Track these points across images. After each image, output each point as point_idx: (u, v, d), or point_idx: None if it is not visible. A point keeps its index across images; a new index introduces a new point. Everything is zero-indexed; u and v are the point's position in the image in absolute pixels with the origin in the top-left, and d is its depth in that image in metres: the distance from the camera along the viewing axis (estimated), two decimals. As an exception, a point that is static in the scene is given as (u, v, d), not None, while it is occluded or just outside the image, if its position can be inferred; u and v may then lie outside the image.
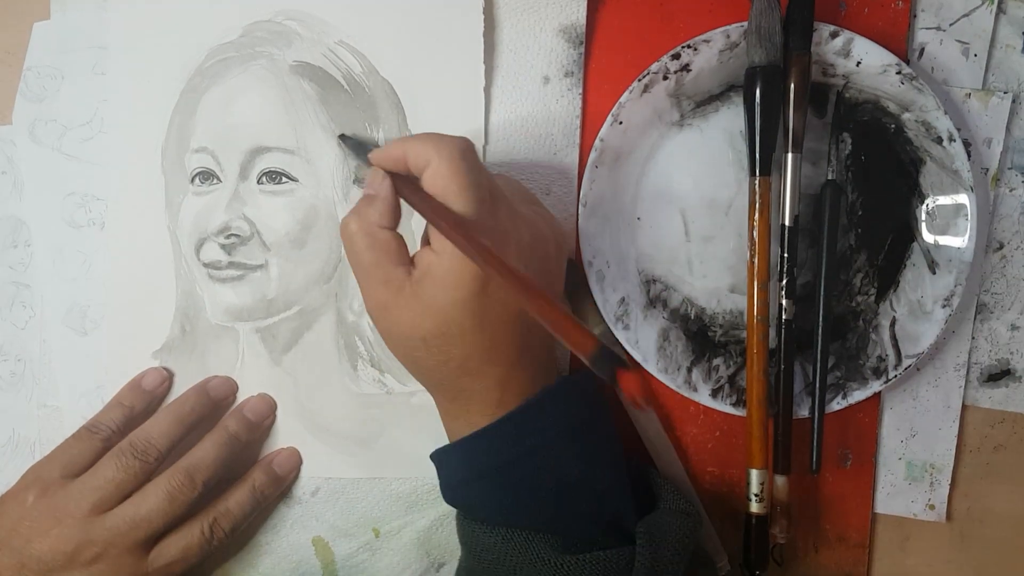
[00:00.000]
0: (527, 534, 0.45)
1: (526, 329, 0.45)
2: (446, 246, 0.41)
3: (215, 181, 0.53)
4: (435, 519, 0.55)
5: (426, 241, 0.44)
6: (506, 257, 0.40)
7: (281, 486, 0.54)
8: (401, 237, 0.44)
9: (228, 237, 0.53)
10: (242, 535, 0.53)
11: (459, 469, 0.46)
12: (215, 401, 0.54)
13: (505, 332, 0.44)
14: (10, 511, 0.49)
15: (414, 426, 0.54)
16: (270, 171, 0.53)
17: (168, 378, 0.55)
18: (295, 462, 0.54)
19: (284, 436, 0.55)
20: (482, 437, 0.45)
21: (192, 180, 0.54)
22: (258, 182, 0.53)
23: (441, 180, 0.41)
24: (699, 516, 0.49)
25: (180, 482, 0.49)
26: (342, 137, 0.52)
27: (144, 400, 0.53)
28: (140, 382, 0.54)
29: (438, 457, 0.47)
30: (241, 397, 0.55)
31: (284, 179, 0.53)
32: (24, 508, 0.48)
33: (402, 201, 0.44)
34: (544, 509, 0.45)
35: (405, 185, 0.43)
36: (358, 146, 0.51)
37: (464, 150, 0.42)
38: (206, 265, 0.54)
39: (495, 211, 0.43)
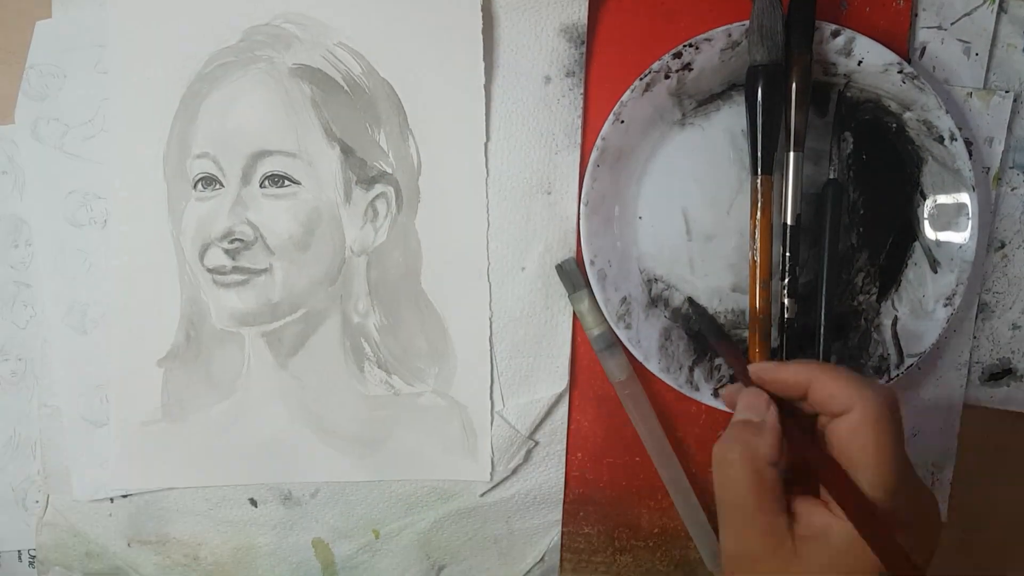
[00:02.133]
0: None
1: None
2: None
3: (218, 186, 0.53)
4: (435, 521, 0.55)
5: (814, 490, 0.38)
6: (920, 555, 0.35)
7: None
8: (780, 479, 0.38)
9: (232, 242, 0.53)
10: (242, 537, 0.53)
11: None
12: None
13: None
14: None
15: (422, 427, 0.54)
16: (272, 175, 0.53)
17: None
18: None
19: (291, 441, 0.54)
20: None
21: (194, 186, 0.54)
22: (260, 186, 0.53)
23: (863, 435, 0.35)
24: None
25: None
26: (559, 267, 0.51)
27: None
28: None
29: None
30: (248, 401, 0.54)
31: (286, 182, 0.53)
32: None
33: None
34: None
35: (785, 418, 0.38)
36: (712, 327, 0.46)
37: (893, 404, 0.36)
38: (210, 270, 0.54)
39: (908, 489, 0.36)
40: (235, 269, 0.54)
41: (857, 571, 0.35)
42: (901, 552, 0.33)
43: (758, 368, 0.40)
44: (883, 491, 0.35)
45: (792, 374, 0.39)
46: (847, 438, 0.36)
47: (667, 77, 0.50)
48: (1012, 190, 0.53)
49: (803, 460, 0.37)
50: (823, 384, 0.38)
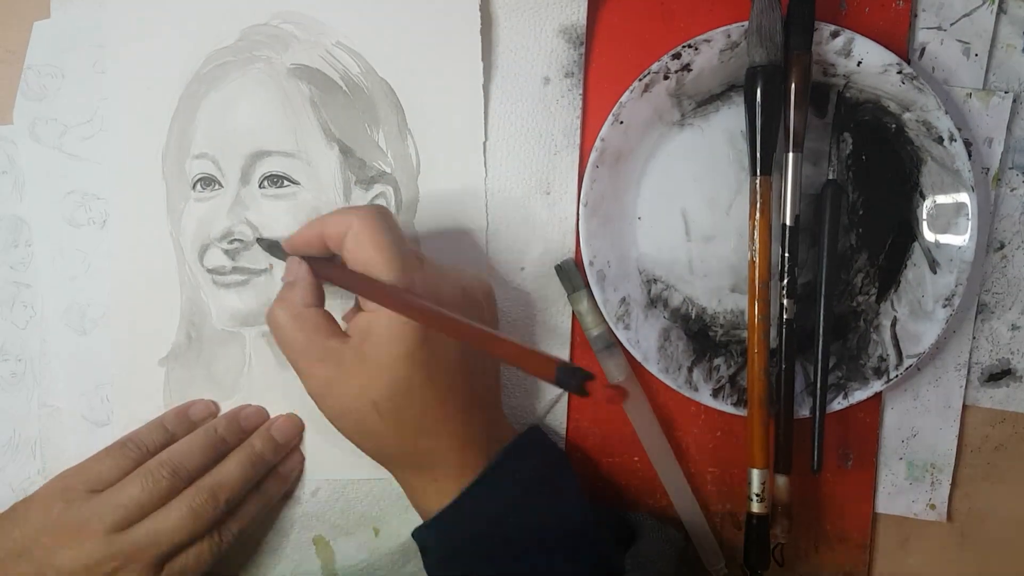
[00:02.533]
0: None
1: (474, 377, 0.45)
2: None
3: (216, 186, 0.53)
4: (435, 519, 0.55)
5: (357, 309, 0.44)
6: (441, 301, 0.41)
7: (286, 485, 0.54)
8: (328, 312, 0.45)
9: (231, 242, 0.53)
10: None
11: (439, 547, 0.46)
12: (246, 431, 0.53)
13: (454, 381, 0.44)
14: (34, 519, 0.48)
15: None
16: (271, 175, 0.53)
17: (215, 412, 0.54)
18: (298, 463, 0.54)
19: (293, 439, 0.55)
20: (457, 509, 0.44)
21: (193, 186, 0.54)
22: (260, 186, 0.53)
23: (364, 243, 0.42)
24: (682, 539, 0.50)
25: (204, 500, 0.49)
26: (259, 240, 0.53)
27: (187, 429, 0.53)
28: (188, 410, 0.54)
29: (419, 538, 0.47)
30: (250, 400, 0.54)
31: (285, 182, 0.53)
32: (50, 518, 0.48)
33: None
34: (528, 568, 0.45)
35: (324, 266, 0.44)
36: (273, 245, 0.51)
37: (381, 213, 0.43)
38: (210, 271, 0.54)
39: (421, 267, 0.44)
40: (235, 269, 0.54)
41: (402, 340, 0.42)
42: (423, 306, 0.39)
43: (289, 238, 0.46)
44: (392, 274, 0.42)
45: (307, 228, 0.45)
46: (353, 249, 0.43)
47: (666, 78, 0.50)
48: (1011, 191, 0.53)
49: (346, 287, 0.43)
50: (326, 224, 0.44)
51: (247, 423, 0.53)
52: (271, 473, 0.53)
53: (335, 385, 0.43)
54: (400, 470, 0.47)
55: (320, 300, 0.45)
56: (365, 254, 0.42)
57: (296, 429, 0.54)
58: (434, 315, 0.39)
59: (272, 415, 0.54)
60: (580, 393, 0.33)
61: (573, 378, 0.33)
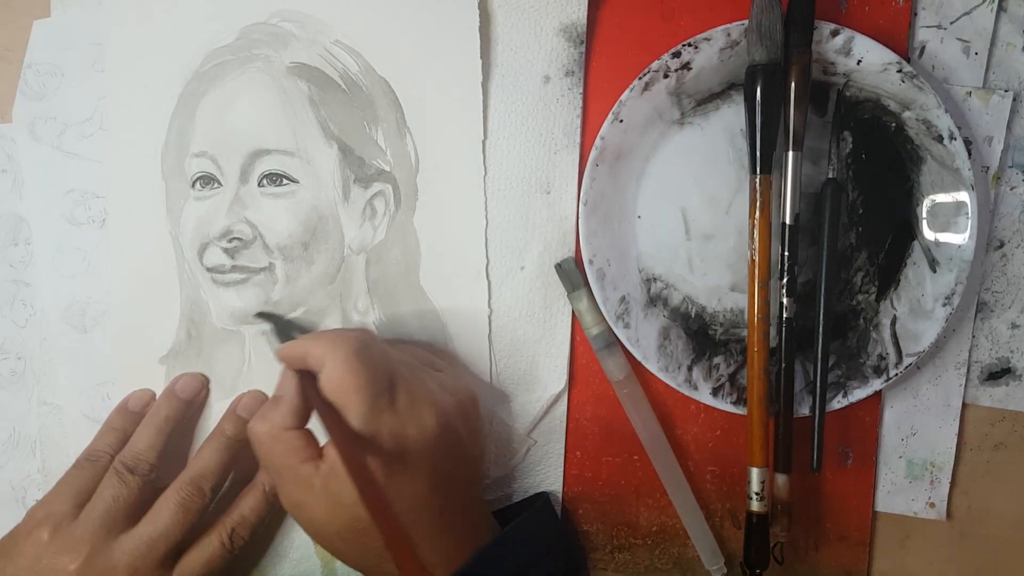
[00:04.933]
0: None
1: (444, 506, 0.46)
2: None
3: (216, 185, 0.53)
4: (435, 517, 0.55)
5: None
6: (406, 445, 0.43)
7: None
8: (309, 432, 0.45)
9: (231, 241, 0.53)
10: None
11: None
12: (186, 401, 0.54)
13: (420, 516, 0.44)
14: (26, 550, 0.48)
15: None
16: (270, 173, 0.53)
17: (152, 397, 0.55)
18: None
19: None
20: None
21: (193, 184, 0.54)
22: (259, 185, 0.53)
23: (335, 381, 0.42)
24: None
25: (189, 492, 0.49)
26: (260, 315, 0.53)
27: (134, 422, 0.53)
28: (127, 405, 0.54)
29: None
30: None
31: (285, 181, 0.53)
32: (40, 546, 0.48)
33: None
34: None
35: (311, 385, 0.44)
36: (279, 325, 0.52)
37: (359, 347, 0.43)
38: (209, 270, 0.54)
39: (393, 402, 0.44)
40: (234, 268, 0.54)
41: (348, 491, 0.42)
42: (364, 469, 0.40)
43: (282, 348, 0.46)
44: (358, 418, 0.42)
45: (291, 348, 0.45)
46: (327, 386, 0.43)
47: (666, 76, 0.50)
48: (1011, 189, 0.53)
49: (318, 416, 0.43)
50: (306, 349, 0.44)
51: (184, 393, 0.54)
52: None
53: (304, 509, 0.44)
54: None
55: (302, 421, 0.45)
56: (335, 393, 0.43)
57: (260, 403, 0.54)
58: (369, 492, 0.40)
59: None
60: None
61: None
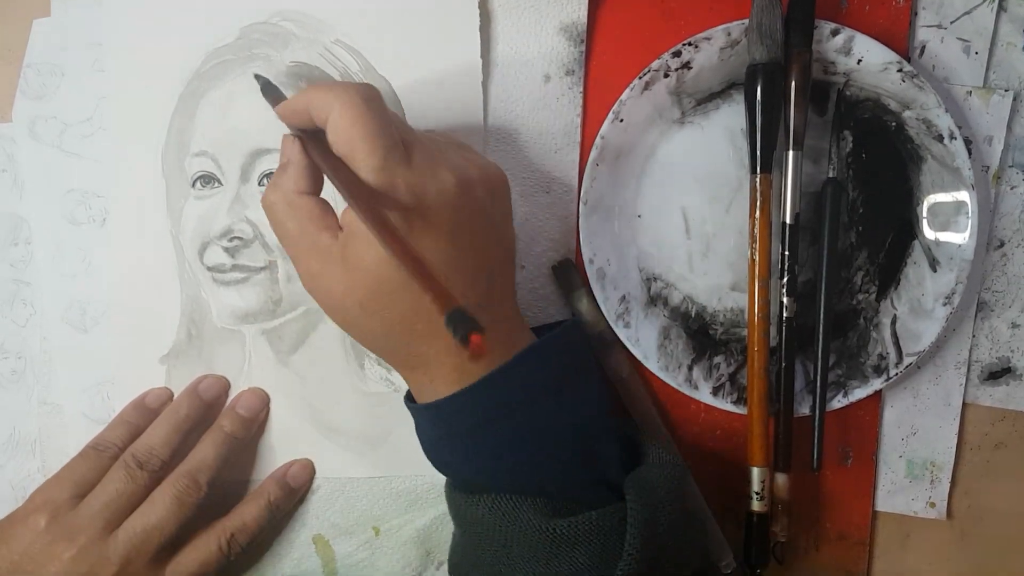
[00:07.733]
0: (514, 500, 0.43)
1: (474, 274, 0.42)
2: None
3: (216, 184, 0.53)
4: (435, 517, 0.55)
5: None
6: (426, 201, 0.39)
7: (295, 498, 0.54)
8: (324, 201, 0.43)
9: (231, 240, 0.53)
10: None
11: (430, 428, 0.45)
12: (208, 403, 0.53)
13: (446, 281, 0.40)
14: (21, 535, 0.48)
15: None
16: (271, 173, 0.53)
17: (170, 397, 0.54)
18: (309, 474, 0.54)
19: (293, 437, 0.55)
20: (449, 403, 0.42)
21: (193, 184, 0.54)
22: (259, 184, 0.53)
23: (344, 129, 0.39)
24: (685, 468, 0.47)
25: (185, 485, 0.49)
26: (257, 76, 0.49)
27: (148, 418, 0.53)
28: (144, 400, 0.54)
29: (414, 414, 0.45)
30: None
31: (285, 180, 0.53)
32: (36, 532, 0.47)
33: None
34: (527, 469, 0.43)
35: (316, 146, 0.41)
36: (272, 91, 0.48)
37: (367, 96, 0.40)
38: (210, 269, 0.54)
39: (409, 157, 0.40)
40: (235, 267, 0.54)
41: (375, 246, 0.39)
42: (383, 220, 0.36)
43: (280, 106, 0.43)
44: (370, 172, 0.38)
45: (296, 101, 0.41)
46: (334, 134, 0.39)
47: (666, 76, 0.50)
48: (1011, 189, 0.53)
49: (324, 173, 0.40)
50: (315, 99, 0.40)
51: (207, 394, 0.53)
52: (280, 485, 0.53)
53: (323, 280, 0.42)
54: (397, 366, 0.45)
55: (315, 186, 0.43)
56: (346, 130, 0.39)
57: (261, 402, 0.54)
58: (390, 239, 0.35)
59: (273, 411, 0.54)
60: (462, 343, 0.31)
61: (461, 326, 0.31)
